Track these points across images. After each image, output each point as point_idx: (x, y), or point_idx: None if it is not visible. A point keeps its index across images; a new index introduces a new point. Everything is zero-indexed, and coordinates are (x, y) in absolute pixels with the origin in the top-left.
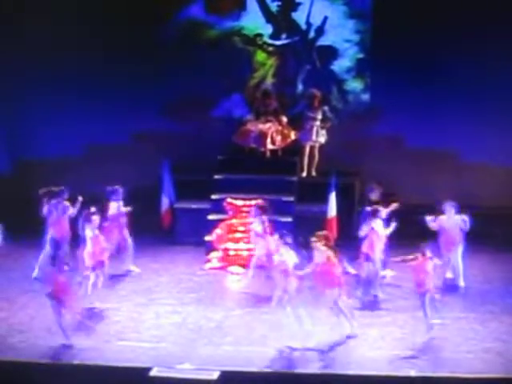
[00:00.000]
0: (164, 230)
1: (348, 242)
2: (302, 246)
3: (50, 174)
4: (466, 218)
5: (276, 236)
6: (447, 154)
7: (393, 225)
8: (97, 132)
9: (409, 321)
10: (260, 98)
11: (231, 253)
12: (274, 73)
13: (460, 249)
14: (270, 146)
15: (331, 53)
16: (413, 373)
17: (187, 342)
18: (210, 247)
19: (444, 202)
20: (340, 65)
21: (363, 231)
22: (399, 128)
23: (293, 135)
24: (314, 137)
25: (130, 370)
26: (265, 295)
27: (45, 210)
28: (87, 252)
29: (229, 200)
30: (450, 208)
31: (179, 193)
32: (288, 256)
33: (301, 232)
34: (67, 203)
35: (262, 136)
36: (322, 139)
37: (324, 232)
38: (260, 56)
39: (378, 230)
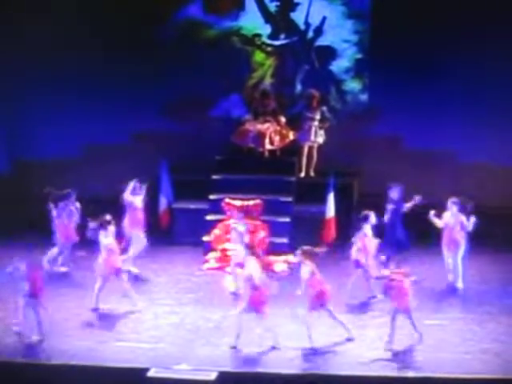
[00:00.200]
0: (162, 230)
1: (346, 242)
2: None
3: (49, 174)
4: (471, 217)
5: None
6: (446, 154)
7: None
8: (96, 132)
9: (406, 321)
10: (258, 98)
11: (229, 253)
12: (272, 73)
13: (461, 250)
14: (268, 146)
15: (330, 53)
16: (410, 373)
17: (185, 343)
18: (208, 248)
19: (447, 199)
20: (338, 65)
21: (357, 238)
22: (398, 128)
23: (291, 135)
24: (312, 137)
25: (128, 370)
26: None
27: (54, 213)
28: (102, 260)
29: (227, 200)
30: (451, 205)
31: (177, 193)
32: (253, 269)
33: (299, 232)
34: (73, 207)
35: (261, 136)
36: (321, 139)
37: (307, 247)
38: (258, 56)
39: (369, 235)
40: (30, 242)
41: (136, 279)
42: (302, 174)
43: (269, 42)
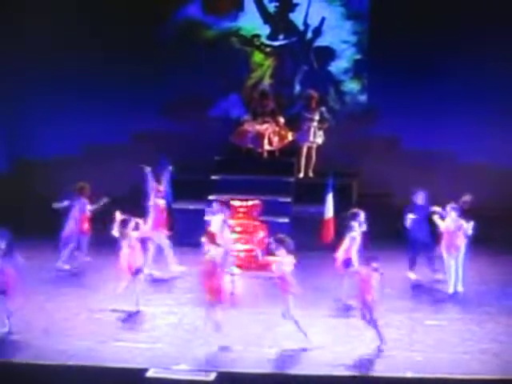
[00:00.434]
0: None
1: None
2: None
3: (49, 173)
4: (470, 222)
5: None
6: (445, 155)
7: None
8: (95, 132)
9: (405, 321)
10: (257, 99)
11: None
12: (271, 73)
13: (462, 253)
14: (267, 147)
15: (328, 54)
16: (409, 374)
17: (184, 343)
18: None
19: (446, 204)
20: (337, 66)
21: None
22: (396, 129)
23: (290, 136)
24: (311, 138)
25: (127, 370)
26: (261, 296)
27: (65, 203)
28: (124, 259)
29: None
30: (451, 210)
31: (176, 193)
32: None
33: (298, 233)
34: (86, 200)
35: (260, 137)
36: (319, 140)
37: (280, 235)
38: (257, 57)
39: (356, 233)
40: (30, 241)
41: (154, 281)
42: (301, 175)
43: (268, 42)
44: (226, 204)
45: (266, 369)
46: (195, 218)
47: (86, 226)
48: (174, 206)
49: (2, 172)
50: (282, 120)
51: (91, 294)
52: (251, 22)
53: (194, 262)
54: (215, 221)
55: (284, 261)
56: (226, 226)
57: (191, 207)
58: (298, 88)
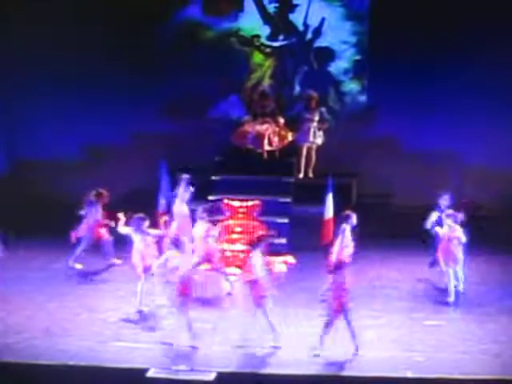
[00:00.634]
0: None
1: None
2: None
3: (48, 174)
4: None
5: None
6: (444, 156)
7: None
8: (95, 132)
9: (405, 322)
10: (257, 99)
11: (228, 254)
12: (271, 74)
13: (460, 261)
14: (267, 147)
15: (328, 54)
16: (409, 374)
17: (184, 343)
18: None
19: (442, 211)
20: (337, 66)
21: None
22: (396, 129)
23: (290, 136)
24: (311, 138)
25: (127, 371)
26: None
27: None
28: (136, 255)
29: (226, 201)
30: (446, 218)
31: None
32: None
33: (298, 233)
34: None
35: (260, 137)
36: (319, 140)
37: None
38: (257, 57)
39: (347, 235)
40: (30, 242)
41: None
42: (301, 175)
43: (268, 43)
44: (217, 210)
45: (266, 369)
46: (195, 219)
47: (103, 230)
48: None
49: (2, 172)
50: (281, 120)
51: (91, 294)
52: (251, 23)
53: None
54: (198, 227)
55: (258, 263)
56: (211, 233)
57: (191, 207)
58: (297, 88)
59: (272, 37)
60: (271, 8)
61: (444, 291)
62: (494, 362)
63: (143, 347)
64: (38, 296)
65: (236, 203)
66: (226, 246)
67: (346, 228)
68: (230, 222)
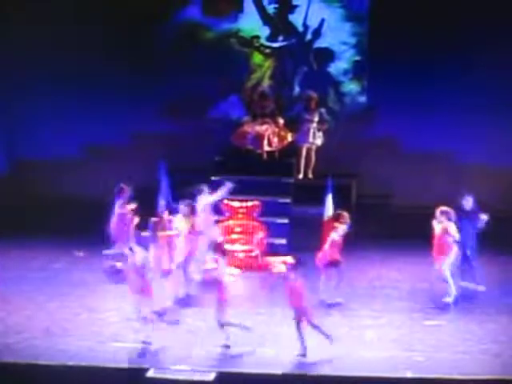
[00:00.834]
0: None
1: (345, 243)
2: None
3: (48, 174)
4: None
5: None
6: (444, 156)
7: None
8: (95, 132)
9: (405, 322)
10: (257, 100)
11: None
12: (270, 75)
13: (448, 260)
14: (266, 148)
15: (328, 55)
16: (409, 374)
17: (184, 343)
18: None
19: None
20: (337, 67)
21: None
22: (396, 130)
23: (289, 137)
24: (310, 139)
25: (127, 371)
26: (261, 296)
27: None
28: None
29: (225, 201)
30: (440, 215)
31: (176, 194)
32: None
33: (297, 234)
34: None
35: (259, 138)
36: (319, 141)
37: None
38: (257, 58)
39: (338, 234)
40: (30, 242)
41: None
42: (301, 176)
43: (267, 43)
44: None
45: (266, 369)
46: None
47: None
48: (173, 206)
49: (2, 172)
50: (281, 121)
51: (91, 294)
52: (251, 24)
53: None
54: (179, 221)
55: (223, 265)
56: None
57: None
58: (297, 89)
59: (272, 37)
60: (271, 9)
61: (442, 292)
62: (494, 361)
63: (144, 347)
64: (38, 296)
65: (236, 203)
66: (226, 246)
67: (339, 227)
68: (230, 222)
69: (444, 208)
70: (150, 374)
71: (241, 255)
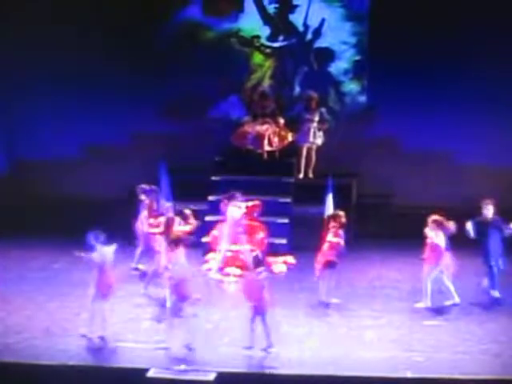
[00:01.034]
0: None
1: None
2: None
3: (48, 174)
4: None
5: None
6: (444, 156)
7: None
8: (95, 132)
9: (405, 322)
10: (257, 100)
11: (228, 254)
12: (271, 74)
13: (437, 269)
14: (267, 148)
15: (328, 55)
16: (409, 374)
17: (184, 344)
18: (207, 248)
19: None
20: (337, 67)
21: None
22: (396, 130)
23: (290, 137)
24: (311, 138)
25: (127, 370)
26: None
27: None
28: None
29: (225, 201)
30: (431, 224)
31: (176, 194)
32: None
33: (298, 233)
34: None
35: (260, 137)
36: (319, 141)
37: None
38: (257, 58)
39: (337, 234)
40: (30, 242)
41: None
42: (301, 175)
43: (268, 43)
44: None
45: (266, 369)
46: (195, 219)
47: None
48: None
49: (2, 172)
50: (281, 121)
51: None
52: (251, 23)
53: (194, 263)
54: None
55: (182, 263)
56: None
57: (191, 208)
58: (297, 89)
59: (272, 37)
60: (271, 9)
61: (442, 292)
62: (494, 362)
63: (143, 347)
64: (38, 296)
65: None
66: (226, 246)
67: (335, 227)
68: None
69: (435, 217)
70: (151, 373)
71: (241, 255)
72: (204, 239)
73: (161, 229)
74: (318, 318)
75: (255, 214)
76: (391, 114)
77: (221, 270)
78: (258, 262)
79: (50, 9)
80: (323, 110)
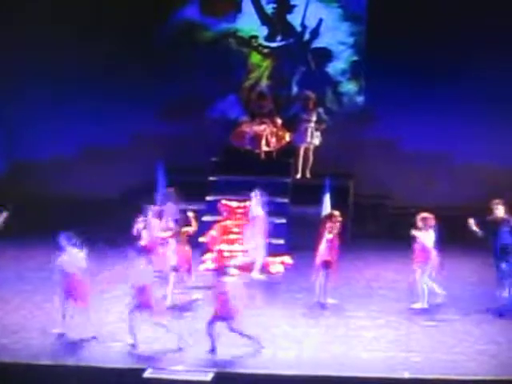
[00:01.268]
0: None
1: (342, 244)
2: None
3: (47, 175)
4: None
5: None
6: (442, 156)
7: None
8: (94, 133)
9: (403, 323)
10: (255, 100)
11: (226, 254)
12: (268, 74)
13: (428, 269)
14: (264, 148)
15: (326, 55)
16: (406, 374)
17: (181, 344)
18: (204, 248)
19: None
20: (335, 67)
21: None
22: (394, 130)
23: (287, 137)
24: (308, 139)
25: (124, 371)
26: (259, 296)
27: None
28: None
29: (223, 201)
30: (419, 221)
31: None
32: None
33: (295, 233)
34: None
35: (257, 138)
36: (317, 141)
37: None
38: (255, 58)
39: (332, 234)
40: (29, 242)
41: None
42: (298, 176)
43: (265, 43)
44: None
45: (264, 369)
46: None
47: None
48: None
49: (0, 173)
50: (279, 121)
51: (90, 294)
52: (249, 24)
53: (192, 263)
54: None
55: (144, 269)
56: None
57: (189, 208)
58: (295, 89)
59: (270, 37)
60: (269, 9)
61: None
62: (491, 362)
63: (140, 347)
64: (35, 296)
65: (234, 204)
66: (223, 246)
67: (332, 227)
68: (228, 222)
69: (424, 214)
70: (148, 374)
71: (239, 255)
72: (201, 239)
73: (173, 231)
74: (316, 318)
75: None
76: (388, 115)
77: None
78: (223, 272)
79: (50, 9)
80: (321, 110)
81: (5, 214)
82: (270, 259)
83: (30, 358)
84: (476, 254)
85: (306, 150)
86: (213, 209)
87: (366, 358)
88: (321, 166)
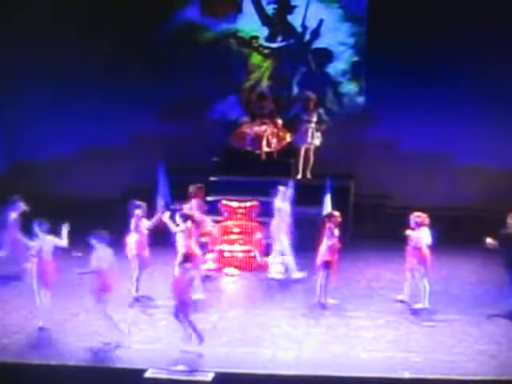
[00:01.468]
0: (159, 231)
1: (343, 244)
2: None
3: (47, 175)
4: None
5: None
6: (442, 157)
7: None
8: (94, 133)
9: (403, 323)
10: (255, 101)
11: (226, 254)
12: (269, 75)
13: (422, 269)
14: (265, 149)
15: (326, 55)
16: (407, 375)
17: (182, 344)
18: (205, 249)
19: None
20: (335, 67)
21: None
22: (394, 130)
23: (288, 137)
24: (309, 139)
25: (125, 371)
26: (259, 296)
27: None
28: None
29: (224, 202)
30: (411, 220)
31: (174, 194)
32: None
33: (296, 234)
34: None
35: (258, 138)
36: (317, 141)
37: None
38: (256, 58)
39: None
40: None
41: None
42: (299, 176)
43: (266, 44)
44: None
45: (264, 369)
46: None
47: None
48: (172, 206)
49: (0, 172)
50: (280, 122)
51: (90, 294)
52: (249, 24)
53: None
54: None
55: (102, 255)
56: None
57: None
58: (296, 90)
59: (270, 38)
60: (270, 9)
61: (440, 293)
62: (491, 362)
63: (141, 347)
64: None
65: (234, 204)
66: (224, 246)
67: (332, 227)
68: (229, 222)
69: (417, 213)
70: (148, 374)
71: (239, 255)
72: (202, 239)
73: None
74: (316, 318)
75: (253, 215)
76: (389, 115)
77: (219, 270)
78: (186, 259)
79: (50, 9)
80: (321, 110)
81: (66, 228)
82: (271, 259)
83: (30, 358)
84: (476, 254)
85: (307, 151)
86: (213, 209)
87: (366, 358)
88: (321, 166)
